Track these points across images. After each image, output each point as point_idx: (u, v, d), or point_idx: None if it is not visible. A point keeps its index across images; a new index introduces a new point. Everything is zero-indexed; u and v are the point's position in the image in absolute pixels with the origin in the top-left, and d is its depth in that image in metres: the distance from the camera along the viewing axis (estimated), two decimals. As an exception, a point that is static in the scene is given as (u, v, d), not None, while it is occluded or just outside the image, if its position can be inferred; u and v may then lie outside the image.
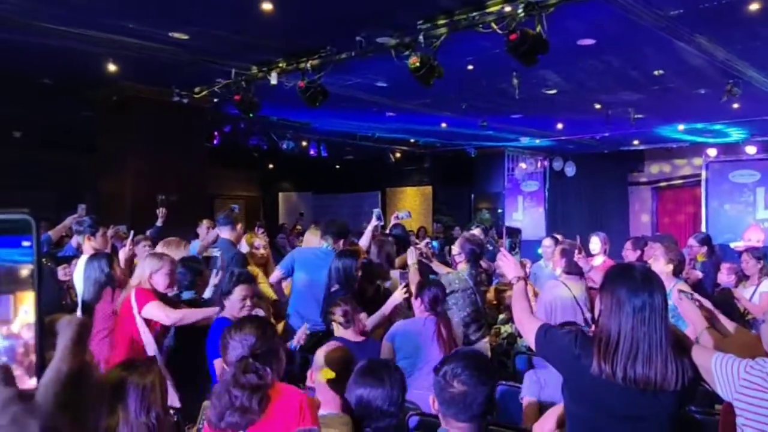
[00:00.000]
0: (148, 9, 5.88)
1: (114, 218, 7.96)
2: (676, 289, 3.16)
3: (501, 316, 5.06)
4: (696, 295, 3.07)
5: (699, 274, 5.98)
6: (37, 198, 10.87)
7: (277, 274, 5.00)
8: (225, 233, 5.24)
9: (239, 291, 3.50)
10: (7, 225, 0.59)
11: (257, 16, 5.94)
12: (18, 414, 0.55)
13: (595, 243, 6.51)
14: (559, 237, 6.46)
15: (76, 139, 11.17)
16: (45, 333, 0.60)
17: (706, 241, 6.70)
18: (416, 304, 3.89)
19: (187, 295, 4.27)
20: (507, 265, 2.69)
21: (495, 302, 5.52)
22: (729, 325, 2.84)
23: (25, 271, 0.59)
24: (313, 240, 5.26)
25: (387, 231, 6.31)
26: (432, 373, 3.26)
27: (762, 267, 5.73)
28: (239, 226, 5.33)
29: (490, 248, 7.41)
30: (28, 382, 0.58)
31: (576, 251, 4.59)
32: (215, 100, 9.09)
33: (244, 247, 5.36)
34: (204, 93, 8.69)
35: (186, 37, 6.64)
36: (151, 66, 7.72)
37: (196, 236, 6.66)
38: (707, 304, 2.98)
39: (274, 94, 8.17)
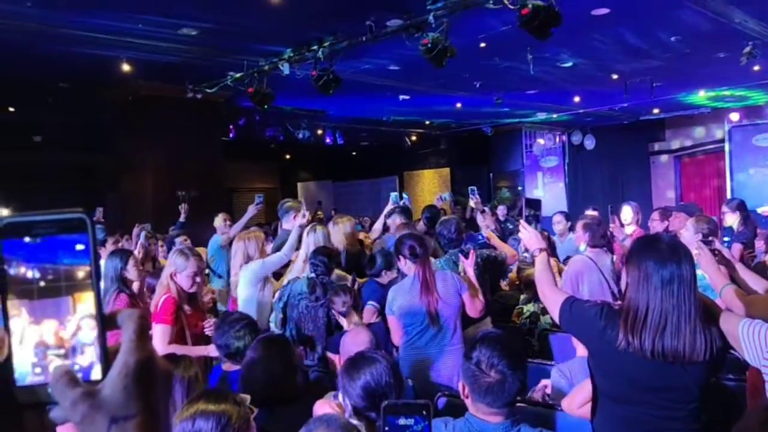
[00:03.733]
0: (157, 8, 5.90)
1: (136, 215, 8.08)
2: (696, 241, 3.09)
3: (522, 296, 5.02)
4: (716, 243, 3.02)
5: (741, 248, 5.45)
6: (61, 200, 11.03)
7: None
8: (285, 223, 5.30)
9: None
10: (63, 224, 0.60)
11: (265, 6, 5.92)
12: (86, 411, 0.58)
13: (627, 213, 6.39)
14: (591, 213, 6.35)
15: (95, 140, 11.30)
16: (106, 328, 0.62)
17: (739, 206, 6.01)
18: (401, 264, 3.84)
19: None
20: (528, 237, 2.65)
21: (517, 282, 5.49)
22: (749, 276, 2.79)
23: (82, 271, 0.60)
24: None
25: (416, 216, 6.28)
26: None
27: None
28: (300, 216, 5.10)
29: (511, 227, 7.37)
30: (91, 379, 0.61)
31: (611, 222, 4.53)
32: (229, 93, 9.12)
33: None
34: (217, 87, 8.72)
35: (195, 32, 6.65)
36: (163, 64, 7.76)
37: (214, 231, 6.71)
38: (726, 253, 2.93)
39: (287, 84, 8.16)
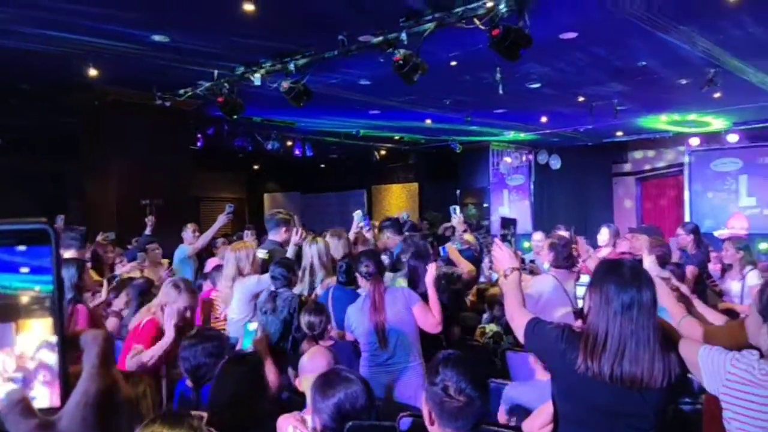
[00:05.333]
0: (129, 12, 5.82)
1: (100, 223, 7.92)
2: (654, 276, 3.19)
3: (485, 315, 5.06)
4: (673, 279, 3.11)
5: (695, 270, 5.64)
6: (22, 206, 10.75)
7: None
8: (273, 235, 5.19)
9: None
10: (23, 235, 0.54)
11: (239, 17, 5.90)
12: None
13: (604, 234, 6.50)
14: (562, 233, 6.45)
15: (59, 145, 11.04)
16: (67, 351, 0.56)
17: (694, 230, 6.30)
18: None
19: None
20: (501, 255, 2.59)
21: (477, 303, 5.54)
22: (705, 311, 2.88)
23: (41, 288, 0.55)
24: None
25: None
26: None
27: (742, 257, 5.78)
28: (293, 232, 4.99)
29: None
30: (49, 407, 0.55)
31: (573, 244, 4.60)
32: (198, 102, 9.03)
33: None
34: (187, 95, 8.63)
35: (167, 39, 6.58)
36: (132, 70, 7.65)
37: (181, 240, 6.63)
38: (684, 289, 3.00)
39: (258, 94, 8.13)
